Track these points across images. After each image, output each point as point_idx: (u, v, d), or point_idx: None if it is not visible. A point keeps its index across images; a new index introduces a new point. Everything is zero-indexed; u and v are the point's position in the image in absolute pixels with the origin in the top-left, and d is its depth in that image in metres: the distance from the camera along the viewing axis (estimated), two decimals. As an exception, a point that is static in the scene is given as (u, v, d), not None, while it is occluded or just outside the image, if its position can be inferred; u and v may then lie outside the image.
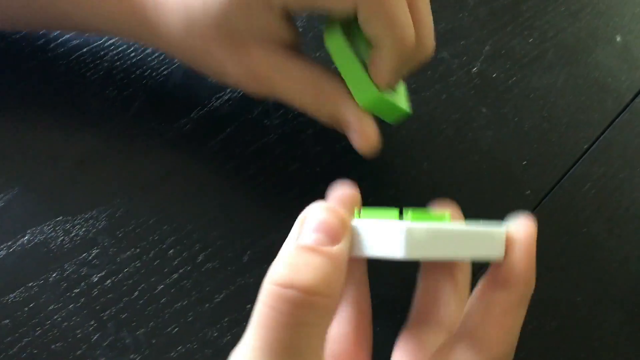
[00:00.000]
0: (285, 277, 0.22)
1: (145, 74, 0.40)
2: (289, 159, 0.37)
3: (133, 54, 0.40)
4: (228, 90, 0.39)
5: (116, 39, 0.39)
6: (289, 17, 0.32)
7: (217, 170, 0.37)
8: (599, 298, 0.33)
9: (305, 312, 0.22)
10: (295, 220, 0.24)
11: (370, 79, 0.30)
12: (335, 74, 0.32)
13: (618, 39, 0.42)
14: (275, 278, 0.22)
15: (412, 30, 0.29)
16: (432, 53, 0.32)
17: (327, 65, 0.33)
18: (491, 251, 0.25)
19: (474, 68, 0.41)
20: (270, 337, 0.22)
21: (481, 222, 0.26)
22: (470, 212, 0.31)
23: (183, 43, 0.33)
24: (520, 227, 0.25)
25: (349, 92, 0.31)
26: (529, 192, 0.36)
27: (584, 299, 0.33)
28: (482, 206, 0.35)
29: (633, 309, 0.33)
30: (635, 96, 0.40)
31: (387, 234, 0.23)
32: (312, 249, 0.23)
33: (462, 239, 0.24)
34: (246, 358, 0.22)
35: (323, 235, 0.23)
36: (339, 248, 0.23)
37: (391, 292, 0.33)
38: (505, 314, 0.25)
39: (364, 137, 0.31)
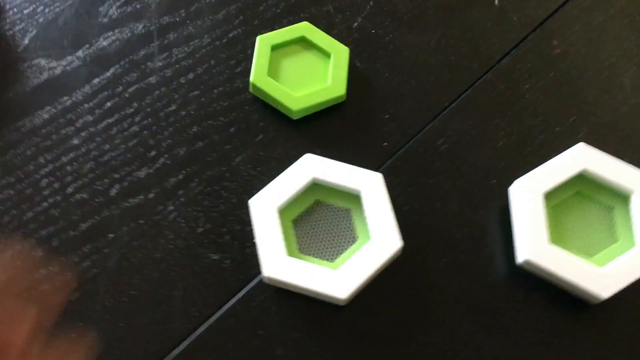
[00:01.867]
0: None
1: (38, 9, 0.42)
2: (167, 101, 0.39)
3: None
4: (116, 30, 0.41)
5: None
6: None
7: (95, 108, 0.39)
8: (428, 244, 0.36)
9: None
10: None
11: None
12: None
13: (496, 2, 0.44)
14: None
15: None
16: None
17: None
18: None
19: (355, 23, 0.43)
20: None
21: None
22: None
23: None
24: None
25: None
26: (386, 143, 0.39)
27: (417, 244, 0.36)
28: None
29: (457, 255, 0.36)
30: (502, 58, 0.42)
31: None
32: None
33: None
34: None
35: None
36: None
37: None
38: None
39: None
